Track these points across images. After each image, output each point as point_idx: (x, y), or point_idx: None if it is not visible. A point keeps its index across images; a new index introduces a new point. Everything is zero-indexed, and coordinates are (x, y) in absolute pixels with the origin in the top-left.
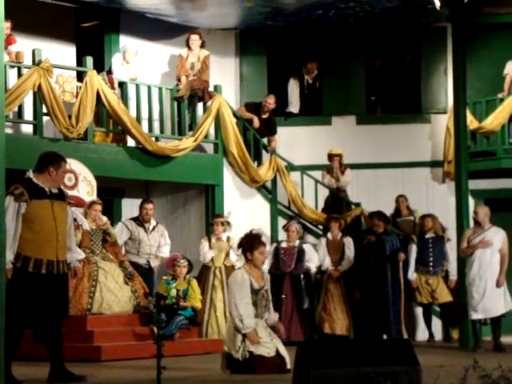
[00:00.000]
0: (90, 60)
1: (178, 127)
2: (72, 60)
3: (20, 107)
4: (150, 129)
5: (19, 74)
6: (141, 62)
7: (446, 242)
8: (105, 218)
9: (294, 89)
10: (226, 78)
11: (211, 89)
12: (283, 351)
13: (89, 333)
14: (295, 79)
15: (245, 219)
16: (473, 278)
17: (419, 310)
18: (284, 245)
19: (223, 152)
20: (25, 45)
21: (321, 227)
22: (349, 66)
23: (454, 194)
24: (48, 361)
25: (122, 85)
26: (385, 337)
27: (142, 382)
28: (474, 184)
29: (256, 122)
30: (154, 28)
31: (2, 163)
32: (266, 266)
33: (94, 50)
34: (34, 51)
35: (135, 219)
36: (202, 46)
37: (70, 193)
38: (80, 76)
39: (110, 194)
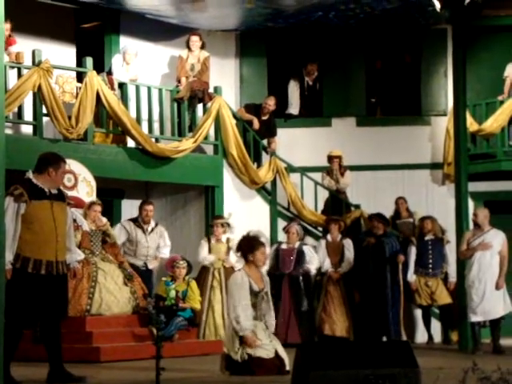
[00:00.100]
0: (89, 61)
1: (177, 128)
2: (72, 61)
3: (20, 108)
4: (150, 130)
5: (19, 75)
6: (141, 63)
7: (446, 244)
8: (104, 219)
9: (294, 90)
10: (226, 79)
11: (211, 90)
12: (282, 353)
13: (88, 334)
14: (295, 81)
15: (244, 221)
16: (472, 280)
17: (418, 312)
18: (284, 246)
19: (223, 153)
20: (25, 45)
21: (320, 229)
22: (349, 68)
23: (454, 196)
24: (47, 361)
25: (121, 86)
26: (384, 339)
27: (141, 382)
28: (474, 186)
29: (256, 124)
30: (154, 29)
31: (2, 164)
32: (265, 267)
33: (93, 50)
34: (33, 52)
35: (134, 220)
36: (202, 47)
37: (70, 193)
38: (80, 77)
39: (110, 194)
